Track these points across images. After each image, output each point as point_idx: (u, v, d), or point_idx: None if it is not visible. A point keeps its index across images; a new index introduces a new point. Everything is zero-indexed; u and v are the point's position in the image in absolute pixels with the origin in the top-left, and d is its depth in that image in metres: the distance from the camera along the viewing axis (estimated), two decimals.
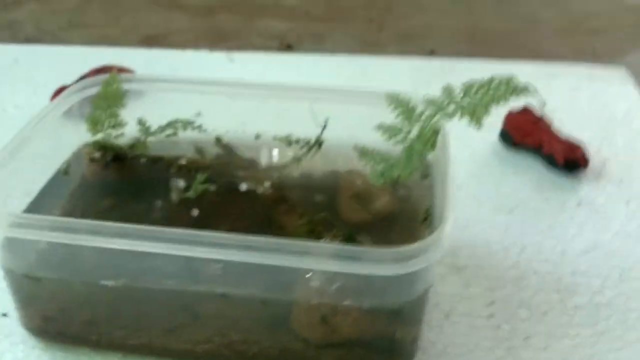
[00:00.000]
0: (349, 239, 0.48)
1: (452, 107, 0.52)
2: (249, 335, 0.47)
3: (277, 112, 0.61)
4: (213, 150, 0.60)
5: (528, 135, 0.72)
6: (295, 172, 0.59)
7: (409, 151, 0.53)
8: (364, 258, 0.41)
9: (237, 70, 0.88)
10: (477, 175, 0.70)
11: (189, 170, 0.57)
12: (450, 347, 0.51)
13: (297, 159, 0.60)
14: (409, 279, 0.44)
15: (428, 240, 0.42)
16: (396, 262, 0.41)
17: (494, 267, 0.58)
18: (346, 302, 0.44)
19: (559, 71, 0.90)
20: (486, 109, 0.51)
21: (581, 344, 0.51)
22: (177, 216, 0.52)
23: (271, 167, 0.60)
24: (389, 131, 0.54)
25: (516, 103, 0.74)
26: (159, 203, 0.54)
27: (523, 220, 0.63)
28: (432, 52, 1.11)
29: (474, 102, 0.52)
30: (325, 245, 0.44)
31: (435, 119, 0.53)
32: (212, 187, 0.54)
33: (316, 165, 0.60)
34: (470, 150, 0.73)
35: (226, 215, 0.53)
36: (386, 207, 0.55)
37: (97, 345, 0.49)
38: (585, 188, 0.68)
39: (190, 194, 0.53)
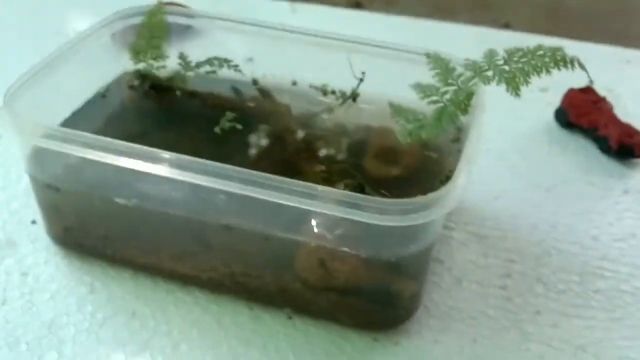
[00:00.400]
0: (359, 188, 0.47)
1: (490, 72, 0.51)
2: (251, 269, 0.48)
3: (319, 61, 0.61)
4: (250, 92, 0.61)
5: (585, 115, 0.69)
6: (328, 122, 0.59)
7: (440, 112, 0.51)
8: (364, 207, 0.41)
9: (298, 22, 0.88)
10: (521, 149, 0.67)
11: (223, 107, 0.58)
12: (454, 311, 0.50)
13: (330, 109, 0.59)
14: (409, 232, 0.43)
15: (431, 195, 0.41)
16: (396, 214, 0.41)
17: (518, 240, 0.56)
18: (345, 249, 0.44)
19: (635, 57, 0.85)
20: (526, 77, 0.49)
21: (592, 327, 0.49)
22: (200, 148, 0.53)
23: (304, 115, 0.60)
24: (424, 90, 0.53)
25: (577, 81, 0.72)
26: (187, 135, 0.55)
27: (560, 200, 0.61)
28: (506, 25, 1.06)
29: (514, 69, 0.50)
30: (330, 190, 0.44)
31: (472, 82, 0.52)
32: (239, 126, 0.55)
33: (351, 118, 0.59)
34: (521, 124, 0.70)
35: (247, 154, 0.54)
36: (410, 166, 0.54)
37: (111, 259, 0.51)
38: (637, 177, 0.64)
39: (217, 129, 0.54)
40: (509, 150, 0.66)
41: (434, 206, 0.41)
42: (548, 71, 0.49)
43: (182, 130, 0.56)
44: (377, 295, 0.46)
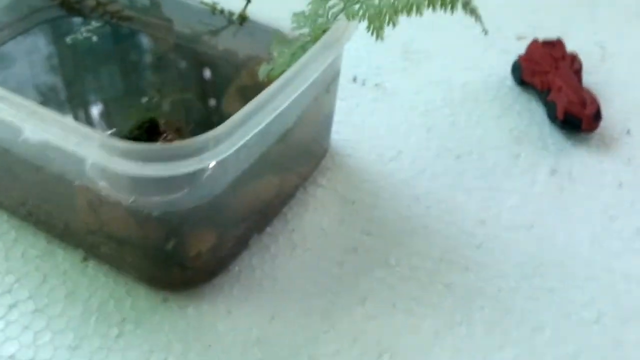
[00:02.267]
0: (147, 125, 0.41)
1: (358, 4, 0.42)
2: (40, 202, 0.44)
3: None
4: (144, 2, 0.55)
5: (540, 74, 0.57)
6: (206, 46, 0.53)
7: (298, 48, 0.44)
8: (122, 151, 0.35)
9: None
10: (452, 106, 0.57)
11: (104, 13, 0.53)
12: (267, 281, 0.44)
13: (213, 31, 0.53)
14: (175, 183, 0.37)
15: (189, 142, 0.34)
16: (151, 162, 0.34)
17: (387, 211, 0.48)
18: (107, 195, 0.39)
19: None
20: (392, 16, 0.40)
21: (417, 330, 0.42)
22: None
23: (183, 35, 0.53)
24: (298, 21, 0.45)
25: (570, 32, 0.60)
26: (42, 39, 0.51)
27: (466, 171, 0.51)
28: None
29: (383, 5, 0.41)
30: (95, 134, 0.37)
31: (339, 17, 0.43)
32: (95, 38, 0.50)
33: (234, 44, 0.53)
34: (471, 76, 0.60)
35: (92, 73, 0.49)
36: None
37: None
38: (574, 155, 0.53)
39: (68, 39, 0.50)
40: (436, 106, 0.57)
41: (197, 154, 0.34)
42: (420, 12, 0.40)
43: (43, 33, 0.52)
44: (155, 250, 0.41)
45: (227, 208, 0.41)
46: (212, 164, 0.36)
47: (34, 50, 0.51)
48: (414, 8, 0.40)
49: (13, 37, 0.52)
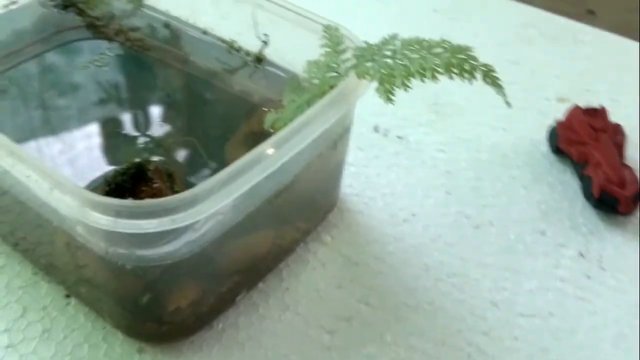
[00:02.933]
0: (116, 179, 0.38)
1: (370, 64, 0.39)
2: (31, 239, 0.42)
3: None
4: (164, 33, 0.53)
5: (577, 144, 0.53)
6: (226, 85, 0.51)
7: (303, 102, 0.41)
8: (89, 205, 0.32)
9: None
10: (478, 169, 0.53)
11: (126, 40, 0.52)
12: (251, 344, 0.40)
13: (229, 71, 0.50)
14: (146, 240, 0.34)
15: (156, 202, 0.32)
16: (117, 218, 0.32)
17: (392, 279, 0.44)
18: (85, 241, 0.36)
19: None
20: (405, 79, 0.37)
21: None
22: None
23: (199, 70, 0.51)
24: (310, 71, 0.43)
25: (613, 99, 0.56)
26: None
27: (483, 244, 0.47)
28: (590, 12, 0.86)
29: (398, 66, 0.38)
30: (67, 183, 0.34)
31: (351, 71, 0.41)
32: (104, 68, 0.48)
33: (250, 84, 0.50)
34: (505, 138, 0.56)
35: (101, 100, 0.47)
36: None
37: None
38: (607, 239, 0.48)
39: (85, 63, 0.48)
40: (460, 167, 0.53)
41: (168, 214, 0.32)
42: (434, 77, 0.37)
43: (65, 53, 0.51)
44: (130, 302, 0.38)
45: (211, 264, 0.38)
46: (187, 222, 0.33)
47: (51, 71, 0.49)
48: (429, 73, 0.37)
49: (36, 56, 0.51)
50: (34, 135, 0.47)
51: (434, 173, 0.52)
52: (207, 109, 0.49)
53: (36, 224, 0.39)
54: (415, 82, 0.38)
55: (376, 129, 0.56)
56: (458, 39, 0.39)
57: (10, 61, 0.50)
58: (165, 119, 0.47)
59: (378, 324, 0.42)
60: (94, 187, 0.40)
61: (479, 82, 0.38)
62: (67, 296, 0.42)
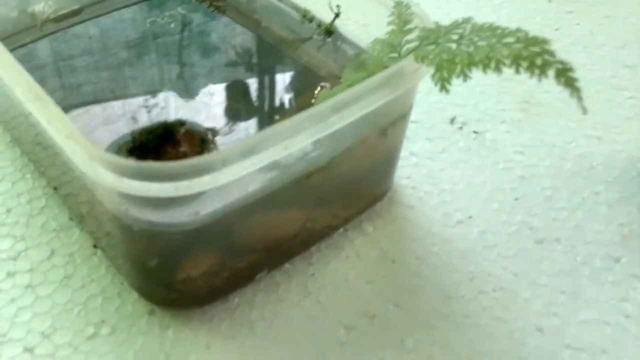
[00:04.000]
0: (141, 137, 0.37)
1: (432, 46, 0.36)
2: (67, 185, 0.42)
3: None
4: None
5: None
6: (294, 55, 0.48)
7: (354, 81, 0.38)
8: (100, 162, 0.31)
9: None
10: (558, 176, 0.47)
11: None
12: (260, 324, 0.38)
13: (299, 41, 0.48)
14: (153, 204, 0.32)
15: (162, 165, 0.30)
16: (122, 177, 0.30)
17: (431, 284, 0.41)
18: (101, 196, 0.35)
19: None
20: (465, 68, 0.34)
21: None
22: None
23: (269, 37, 0.49)
24: (374, 48, 0.40)
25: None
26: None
27: (540, 261, 0.42)
28: None
29: (459, 52, 0.34)
30: (81, 138, 0.33)
31: (410, 54, 0.37)
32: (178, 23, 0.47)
33: (324, 59, 0.47)
34: (594, 147, 0.49)
35: (160, 58, 0.46)
36: None
37: None
38: None
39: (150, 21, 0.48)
40: (537, 173, 0.47)
41: (175, 179, 0.30)
42: (498, 69, 0.33)
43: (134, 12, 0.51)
44: (140, 264, 0.37)
45: (228, 238, 0.36)
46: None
47: (115, 29, 0.50)
48: (493, 64, 0.33)
49: (107, 13, 0.52)
50: (102, 89, 0.47)
51: (505, 176, 0.47)
52: (268, 77, 0.47)
53: (65, 170, 0.39)
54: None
55: (452, 121, 0.51)
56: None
57: (84, 16, 0.51)
58: (225, 82, 0.46)
59: (401, 327, 0.39)
60: (124, 142, 0.39)
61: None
62: (95, 247, 0.42)
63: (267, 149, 0.32)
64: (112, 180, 0.30)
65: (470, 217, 0.45)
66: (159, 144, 0.36)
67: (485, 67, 0.33)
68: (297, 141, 0.33)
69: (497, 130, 0.51)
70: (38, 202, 0.45)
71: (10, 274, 0.41)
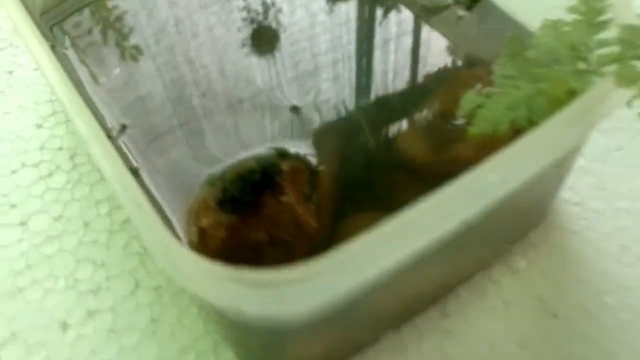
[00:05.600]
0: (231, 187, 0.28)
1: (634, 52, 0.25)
2: None
3: None
4: None
5: None
6: (426, 33, 0.37)
7: (520, 101, 0.27)
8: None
9: None
10: None
11: None
12: None
13: (435, 9, 0.37)
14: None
15: (261, 275, 0.22)
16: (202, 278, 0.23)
17: (608, 350, 0.32)
18: None
19: None
20: None
21: None
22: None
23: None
24: (544, 38, 0.28)
25: None
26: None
27: None
28: None
29: None
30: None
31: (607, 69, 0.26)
32: None
33: (465, 36, 0.36)
34: None
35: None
36: (464, 152, 0.32)
37: None
38: None
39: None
40: None
41: (277, 287, 0.22)
42: None
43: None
44: (241, 348, 0.30)
45: (344, 320, 0.28)
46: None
47: None
48: None
49: None
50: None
51: None
52: (397, 58, 0.36)
53: None
54: None
55: (629, 104, 0.39)
56: None
57: None
58: (340, 64, 0.35)
59: None
60: (216, 178, 0.30)
61: None
62: None
63: (406, 239, 0.23)
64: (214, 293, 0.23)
65: None
66: (255, 193, 0.28)
67: None
68: (445, 224, 0.23)
69: None
70: (118, 214, 0.38)
71: (90, 313, 0.35)
